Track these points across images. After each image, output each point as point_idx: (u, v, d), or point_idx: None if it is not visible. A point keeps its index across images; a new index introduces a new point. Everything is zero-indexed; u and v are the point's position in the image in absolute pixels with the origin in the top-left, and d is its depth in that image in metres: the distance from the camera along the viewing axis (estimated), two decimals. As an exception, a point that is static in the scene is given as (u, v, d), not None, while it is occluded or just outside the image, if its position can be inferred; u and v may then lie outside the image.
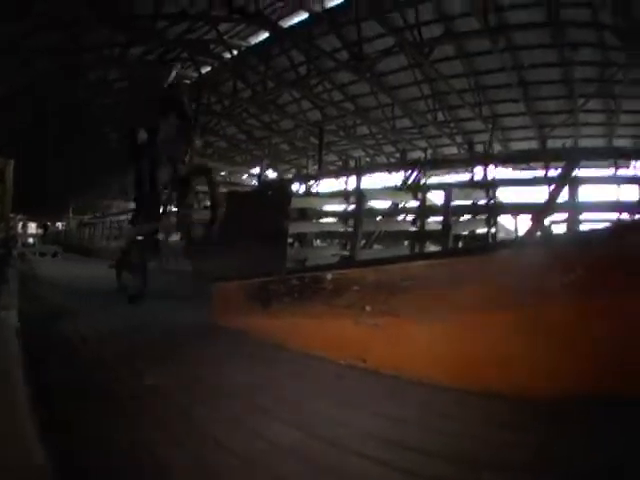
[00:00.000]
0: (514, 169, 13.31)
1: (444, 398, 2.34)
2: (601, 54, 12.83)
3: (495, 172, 11.02)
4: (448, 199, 8.23)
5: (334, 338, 3.06)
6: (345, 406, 2.37)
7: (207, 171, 5.18)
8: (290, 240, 8.41)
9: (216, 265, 5.78)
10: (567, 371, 2.23)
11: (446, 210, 8.20)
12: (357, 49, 12.62)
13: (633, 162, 15.07)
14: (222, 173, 17.89)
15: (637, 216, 8.07)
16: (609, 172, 14.69)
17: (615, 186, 9.84)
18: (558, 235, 6.84)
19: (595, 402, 2.02)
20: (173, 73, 5.00)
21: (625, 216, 7.99)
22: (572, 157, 9.34)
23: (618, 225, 6.61)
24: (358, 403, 2.39)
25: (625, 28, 11.24)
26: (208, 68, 15.48)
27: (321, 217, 9.83)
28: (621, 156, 13.94)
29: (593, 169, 13.05)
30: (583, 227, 8.06)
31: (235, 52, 14.35)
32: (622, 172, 14.89)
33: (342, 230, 9.24)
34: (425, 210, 8.81)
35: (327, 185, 13.39)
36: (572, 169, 8.30)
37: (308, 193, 11.47)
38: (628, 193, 8.63)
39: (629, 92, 13.76)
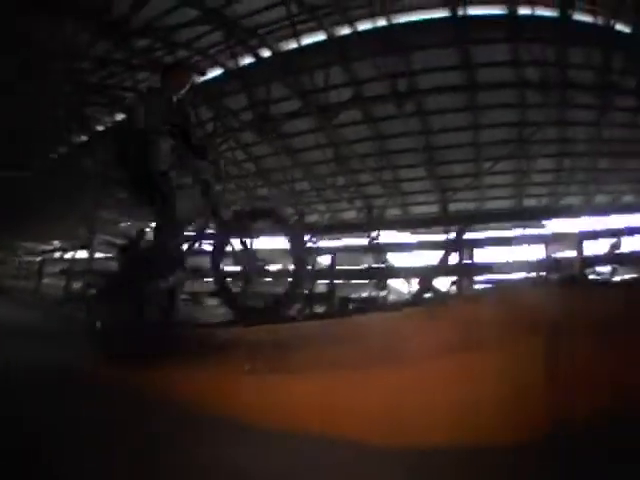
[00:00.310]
0: (413, 233, 13.50)
1: (336, 453, 2.38)
2: (521, 114, 13.49)
3: (391, 236, 11.22)
4: (333, 263, 8.33)
5: (222, 395, 3.06)
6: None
7: (277, 217, 4.05)
8: (183, 297, 8.23)
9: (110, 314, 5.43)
10: (448, 424, 2.34)
11: (331, 273, 8.28)
12: (264, 110, 12.79)
13: (543, 221, 15.39)
14: (122, 224, 17.53)
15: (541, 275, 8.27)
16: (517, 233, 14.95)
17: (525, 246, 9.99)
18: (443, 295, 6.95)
19: (483, 452, 2.12)
20: (191, 80, 4.23)
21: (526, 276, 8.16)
22: (463, 221, 9.62)
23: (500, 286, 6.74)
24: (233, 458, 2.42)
25: (555, 83, 11.91)
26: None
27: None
28: (526, 216, 14.34)
29: (499, 231, 13.32)
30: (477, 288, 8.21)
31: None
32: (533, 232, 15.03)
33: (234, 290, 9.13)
34: (315, 273, 8.84)
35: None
36: (462, 233, 8.50)
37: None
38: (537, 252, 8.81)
39: (544, 151, 14.52)
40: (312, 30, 11.93)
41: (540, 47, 11.26)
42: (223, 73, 12.96)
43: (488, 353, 2.40)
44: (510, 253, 9.38)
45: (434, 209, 17.02)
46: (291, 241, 3.76)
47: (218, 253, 3.90)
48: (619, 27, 10.56)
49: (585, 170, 15.88)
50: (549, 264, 8.14)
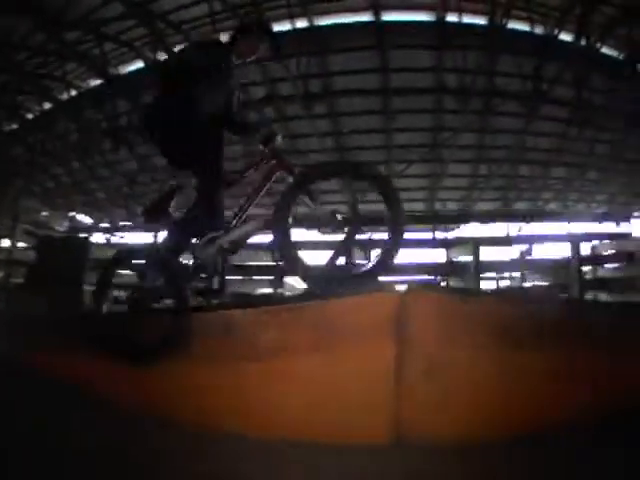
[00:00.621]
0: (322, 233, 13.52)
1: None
2: (438, 119, 13.98)
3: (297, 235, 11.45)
4: (223, 260, 8.57)
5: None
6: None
7: (373, 175, 3.27)
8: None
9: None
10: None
11: (222, 270, 8.54)
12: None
13: (453, 225, 15.89)
14: (44, 213, 17.18)
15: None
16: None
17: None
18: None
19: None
20: (263, 45, 3.42)
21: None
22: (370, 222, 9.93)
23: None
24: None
25: (478, 90, 12.40)
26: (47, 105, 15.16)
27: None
28: (435, 220, 14.78)
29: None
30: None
31: (74, 93, 14.25)
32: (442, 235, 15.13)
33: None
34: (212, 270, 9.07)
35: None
36: (354, 233, 8.79)
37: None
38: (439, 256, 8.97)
39: (457, 156, 15.08)
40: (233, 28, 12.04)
41: (464, 54, 11.83)
42: (144, 67, 12.97)
43: (343, 352, 2.57)
44: (410, 255, 9.69)
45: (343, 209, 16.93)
46: (387, 202, 3.11)
47: (283, 211, 3.24)
48: (560, 36, 11.23)
49: (505, 177, 16.49)
50: (446, 268, 8.38)
